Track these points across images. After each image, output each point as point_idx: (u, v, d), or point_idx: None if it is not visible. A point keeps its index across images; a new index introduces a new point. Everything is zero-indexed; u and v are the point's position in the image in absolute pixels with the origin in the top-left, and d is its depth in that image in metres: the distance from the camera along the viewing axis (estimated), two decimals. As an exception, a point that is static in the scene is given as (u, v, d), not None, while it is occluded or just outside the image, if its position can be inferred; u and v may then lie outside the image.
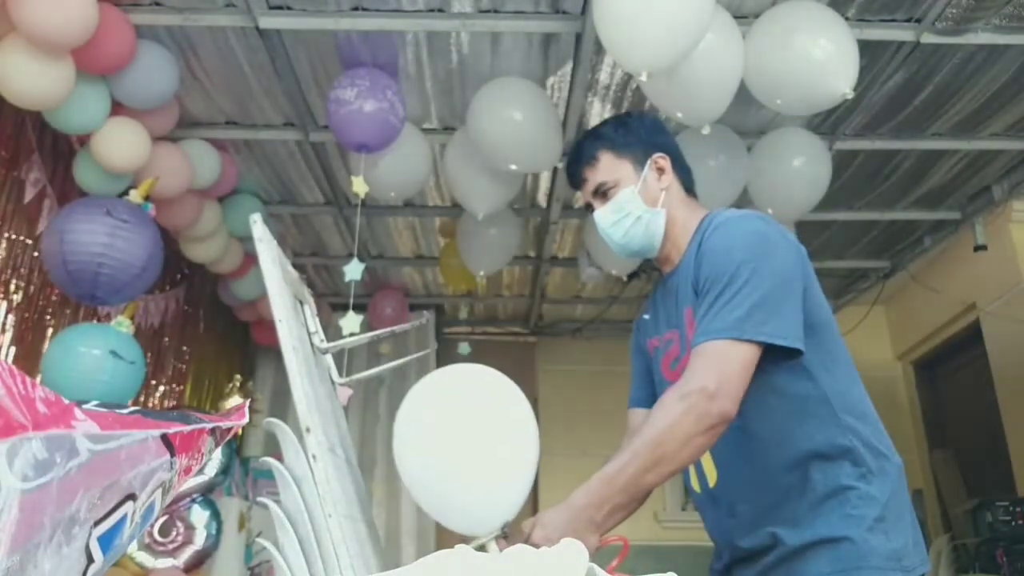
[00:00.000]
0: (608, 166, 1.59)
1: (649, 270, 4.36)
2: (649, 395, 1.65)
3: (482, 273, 3.73)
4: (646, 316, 1.70)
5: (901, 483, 1.40)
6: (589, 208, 1.65)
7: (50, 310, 3.07)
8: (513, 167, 3.00)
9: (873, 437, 1.40)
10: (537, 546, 1.21)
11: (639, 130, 1.62)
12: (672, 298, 1.57)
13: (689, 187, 1.66)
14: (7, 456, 0.62)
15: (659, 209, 1.58)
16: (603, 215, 1.60)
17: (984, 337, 4.11)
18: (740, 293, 1.35)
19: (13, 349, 2.86)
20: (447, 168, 3.23)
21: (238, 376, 4.21)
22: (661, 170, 1.60)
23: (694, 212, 1.61)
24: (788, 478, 1.39)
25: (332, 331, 3.68)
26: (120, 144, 2.69)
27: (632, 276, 4.11)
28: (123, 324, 2.62)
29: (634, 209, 1.57)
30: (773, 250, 1.41)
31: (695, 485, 1.54)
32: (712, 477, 1.49)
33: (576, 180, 1.66)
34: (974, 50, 2.81)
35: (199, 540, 2.96)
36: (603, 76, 2.96)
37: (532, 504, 5.27)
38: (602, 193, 1.60)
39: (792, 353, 1.35)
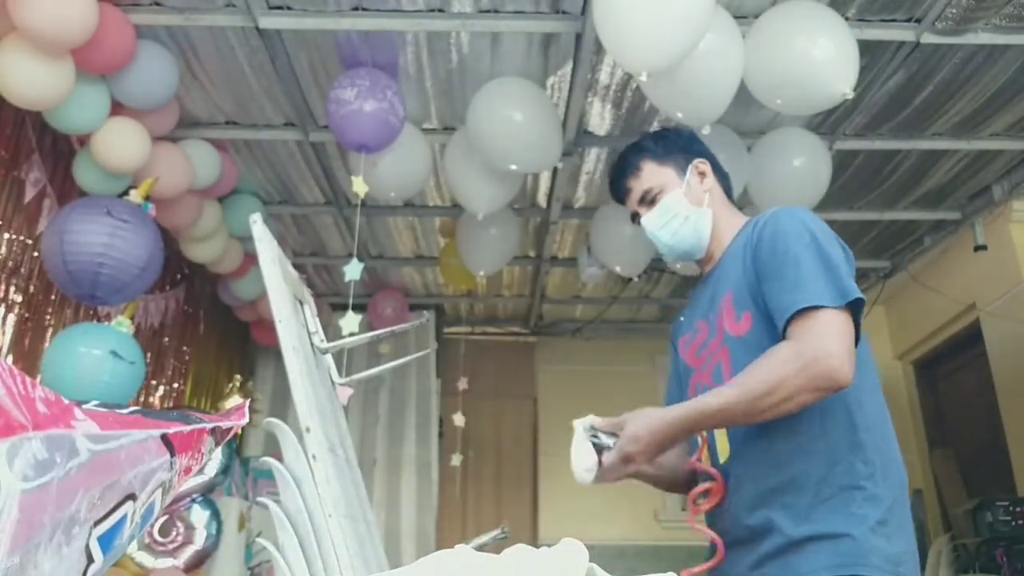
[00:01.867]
0: (651, 173, 1.66)
1: (651, 271, 4.37)
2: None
3: (482, 273, 3.73)
4: (681, 319, 1.73)
5: (904, 493, 1.41)
6: (635, 219, 1.70)
7: (50, 310, 3.07)
8: (513, 167, 3.00)
9: (884, 443, 1.42)
10: (633, 438, 1.36)
11: (678, 140, 1.71)
12: (709, 290, 1.61)
13: (729, 191, 1.72)
14: (7, 456, 0.62)
15: (705, 208, 1.65)
16: (650, 219, 1.66)
17: (984, 337, 4.10)
18: (824, 264, 1.38)
19: (13, 349, 2.86)
20: (447, 168, 3.23)
21: (238, 376, 4.21)
22: (703, 174, 1.67)
23: (738, 215, 1.68)
24: (797, 467, 1.39)
25: (332, 331, 3.68)
26: (120, 144, 2.69)
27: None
28: (123, 324, 2.61)
29: (681, 210, 1.63)
30: (832, 237, 1.48)
31: (705, 463, 1.54)
32: (724, 453, 1.49)
33: (620, 192, 1.71)
34: (974, 50, 2.81)
35: (199, 540, 2.96)
36: (603, 76, 2.96)
37: (532, 501, 5.28)
38: (649, 200, 1.66)
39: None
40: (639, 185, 1.66)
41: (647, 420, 1.37)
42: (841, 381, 1.29)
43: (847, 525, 1.32)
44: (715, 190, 1.68)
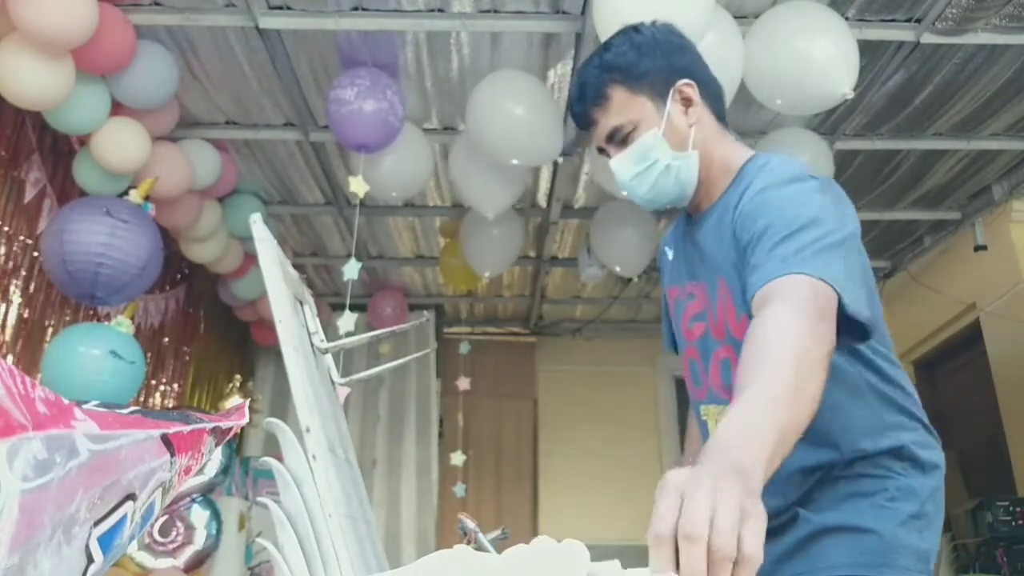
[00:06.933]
0: (622, 105, 1.28)
1: (651, 270, 4.36)
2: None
3: (488, 274, 3.72)
4: (668, 251, 1.43)
5: (941, 481, 1.27)
6: (603, 153, 1.34)
7: (50, 310, 3.07)
8: (514, 161, 2.99)
9: (920, 435, 1.27)
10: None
11: (655, 52, 1.29)
12: (697, 250, 1.31)
13: (720, 113, 1.34)
14: (7, 456, 0.62)
15: (690, 152, 1.28)
16: (622, 165, 1.30)
17: (984, 337, 4.10)
18: (831, 247, 1.05)
19: (13, 349, 2.86)
20: (453, 170, 3.22)
21: (238, 376, 4.21)
22: (688, 100, 1.29)
23: (732, 147, 1.32)
24: (821, 454, 1.20)
25: (332, 331, 3.68)
26: (120, 144, 2.69)
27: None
28: (123, 324, 2.62)
29: (661, 156, 1.27)
30: (846, 214, 1.15)
31: None
32: None
33: (584, 121, 1.34)
34: (974, 50, 2.81)
35: (199, 540, 2.96)
36: (603, 76, 2.95)
37: (532, 501, 5.27)
38: (619, 140, 1.29)
39: (859, 337, 1.10)
40: (606, 120, 1.29)
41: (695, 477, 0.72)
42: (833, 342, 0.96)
43: (874, 519, 1.17)
44: (704, 119, 1.30)
